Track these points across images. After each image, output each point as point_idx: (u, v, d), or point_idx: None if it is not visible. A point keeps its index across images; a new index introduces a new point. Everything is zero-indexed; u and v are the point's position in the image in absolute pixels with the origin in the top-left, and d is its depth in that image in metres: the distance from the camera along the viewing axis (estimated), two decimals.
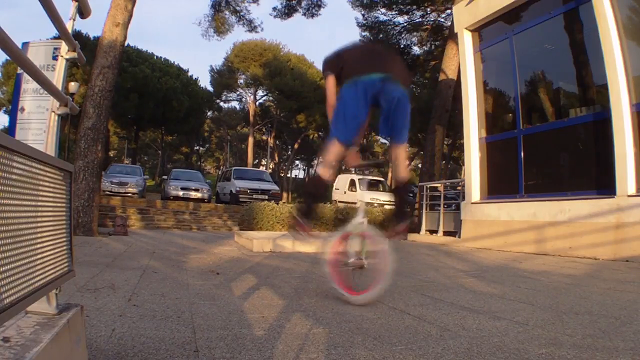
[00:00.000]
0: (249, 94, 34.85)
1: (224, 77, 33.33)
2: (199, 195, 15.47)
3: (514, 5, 6.24)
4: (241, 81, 33.79)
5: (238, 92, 35.17)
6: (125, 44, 7.60)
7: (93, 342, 1.56)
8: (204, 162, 51.82)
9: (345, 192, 17.00)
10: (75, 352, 1.12)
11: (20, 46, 1.23)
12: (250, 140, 35.14)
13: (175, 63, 28.35)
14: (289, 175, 44.89)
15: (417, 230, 8.77)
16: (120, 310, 2.08)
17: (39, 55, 1.95)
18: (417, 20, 17.11)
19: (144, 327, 1.81)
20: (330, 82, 2.54)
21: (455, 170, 35.43)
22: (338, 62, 2.54)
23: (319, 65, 33.18)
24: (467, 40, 7.22)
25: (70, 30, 1.40)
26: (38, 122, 2.03)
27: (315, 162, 45.91)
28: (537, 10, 6.07)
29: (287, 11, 17.66)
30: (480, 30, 7.15)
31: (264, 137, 41.12)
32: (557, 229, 5.32)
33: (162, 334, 1.71)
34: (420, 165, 17.44)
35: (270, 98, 34.45)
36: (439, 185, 9.66)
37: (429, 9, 16.43)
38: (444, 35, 15.31)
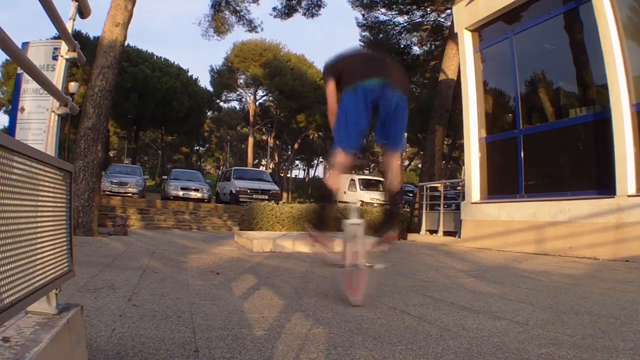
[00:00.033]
0: (249, 94, 34.88)
1: (224, 77, 33.33)
2: (199, 195, 15.46)
3: (514, 5, 6.24)
4: (241, 81, 33.80)
5: (238, 92, 35.19)
6: (125, 44, 7.60)
7: (93, 342, 1.56)
8: (204, 162, 51.81)
9: (345, 192, 17.02)
10: (75, 352, 1.12)
11: (20, 46, 1.23)
12: (250, 140, 35.14)
13: (175, 63, 28.37)
14: (289, 175, 44.89)
15: (417, 230, 8.77)
16: (120, 310, 2.08)
17: (39, 55, 1.95)
18: (417, 20, 17.11)
19: (144, 327, 1.81)
20: (331, 87, 2.54)
21: (455, 170, 35.43)
22: (338, 67, 2.54)
23: (319, 65, 32.98)
24: (467, 40, 7.22)
25: (70, 30, 1.40)
26: (38, 122, 2.04)
27: (315, 162, 45.95)
28: (537, 10, 6.07)
29: (287, 11, 17.66)
30: (480, 30, 7.15)
31: (264, 137, 41.12)
32: (557, 229, 5.32)
33: (162, 334, 1.71)
34: (420, 165, 17.45)
35: (270, 98, 34.45)
36: (439, 185, 9.66)
37: (429, 9, 16.43)
38: (444, 35, 15.31)
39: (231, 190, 15.86)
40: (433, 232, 8.26)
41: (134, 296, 2.43)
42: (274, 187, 16.56)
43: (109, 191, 13.93)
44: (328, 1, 28.95)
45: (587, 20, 5.30)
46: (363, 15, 17.87)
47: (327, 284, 3.04)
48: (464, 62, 7.24)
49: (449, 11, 14.60)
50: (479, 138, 7.00)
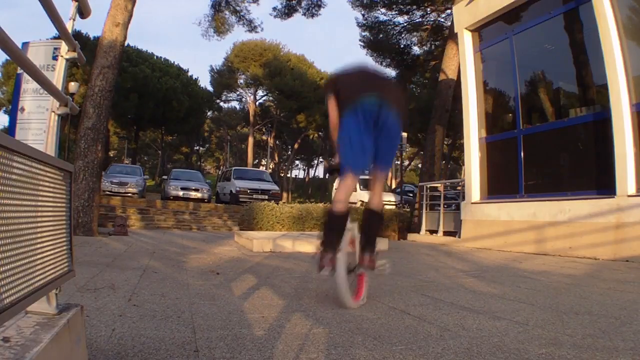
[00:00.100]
0: (249, 94, 34.90)
1: (224, 77, 33.34)
2: (199, 195, 15.46)
3: (514, 5, 6.24)
4: (241, 81, 33.81)
5: (238, 92, 35.21)
6: (125, 44, 7.60)
7: (93, 342, 1.56)
8: (204, 162, 51.82)
9: None
10: (75, 352, 1.12)
11: (20, 46, 1.23)
12: (250, 140, 35.15)
13: (175, 63, 28.38)
14: (289, 175, 44.90)
15: (417, 230, 8.78)
16: (120, 310, 2.08)
17: (39, 55, 1.95)
18: (417, 20, 17.11)
19: (144, 327, 1.81)
20: (331, 102, 2.54)
21: (455, 170, 35.44)
22: (336, 83, 2.56)
23: (319, 65, 33.02)
24: (467, 40, 7.22)
25: (70, 30, 1.40)
26: (38, 122, 2.04)
27: (315, 162, 45.96)
28: (537, 10, 6.07)
29: (287, 11, 17.66)
30: (480, 30, 7.15)
31: (264, 137, 41.13)
32: (557, 229, 5.32)
33: (162, 334, 1.71)
34: (420, 165, 17.44)
35: (270, 98, 34.46)
36: (439, 185, 9.66)
37: (429, 9, 16.43)
38: (444, 35, 15.30)
39: (231, 190, 15.86)
40: (433, 232, 8.26)
41: (134, 296, 2.43)
42: (274, 187, 16.56)
43: (109, 191, 13.93)
44: (328, 1, 28.99)
45: (587, 20, 5.30)
46: (363, 15, 17.89)
47: (327, 284, 3.04)
48: (464, 62, 7.24)
49: (449, 11, 14.60)
50: (479, 138, 7.00)
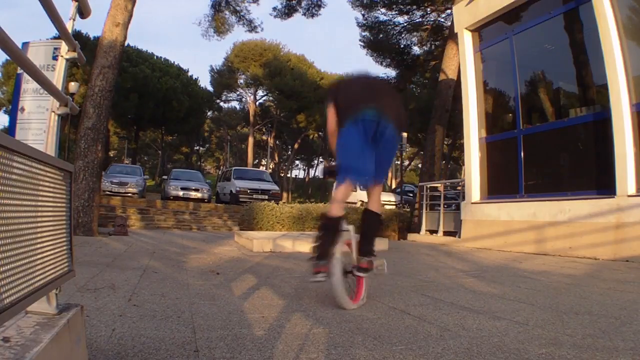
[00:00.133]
0: (249, 94, 34.89)
1: (224, 77, 33.33)
2: (199, 195, 15.47)
3: (514, 5, 6.24)
4: (241, 81, 33.80)
5: (238, 92, 35.20)
6: (125, 44, 7.60)
7: (93, 342, 1.56)
8: (204, 162, 51.82)
9: None
10: (75, 352, 1.12)
11: (20, 46, 1.23)
12: (250, 140, 35.14)
13: (175, 63, 28.37)
14: (289, 175, 44.90)
15: (417, 230, 8.78)
16: (121, 310, 2.08)
17: (39, 55, 1.95)
18: (417, 20, 17.11)
19: (144, 327, 1.81)
20: (331, 110, 2.55)
21: (455, 170, 35.43)
22: (337, 92, 2.57)
23: (319, 65, 33.00)
24: (467, 40, 7.22)
25: (70, 30, 1.40)
26: (38, 122, 2.03)
27: (315, 162, 45.96)
28: (537, 10, 6.07)
29: (287, 11, 17.66)
30: (480, 30, 7.15)
31: (264, 137, 41.13)
32: (557, 229, 5.32)
33: (162, 334, 1.71)
34: (420, 165, 17.44)
35: (270, 98, 34.46)
36: (439, 185, 9.66)
37: (429, 9, 16.43)
38: (444, 35, 15.31)
39: (231, 190, 15.86)
40: (433, 232, 8.26)
41: (134, 296, 2.43)
42: (274, 187, 16.56)
43: (109, 191, 13.93)
44: (328, 1, 28.98)
45: (587, 20, 5.30)
46: (363, 15, 17.89)
47: (327, 284, 3.04)
48: (464, 62, 7.24)
49: (449, 11, 14.60)
50: (479, 138, 7.00)
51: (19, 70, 2.12)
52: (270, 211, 8.41)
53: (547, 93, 6.42)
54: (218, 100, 35.45)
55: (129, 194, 14.42)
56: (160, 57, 27.45)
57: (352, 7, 17.68)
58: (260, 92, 34.70)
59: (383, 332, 1.84)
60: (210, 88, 33.56)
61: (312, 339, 1.72)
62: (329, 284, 2.30)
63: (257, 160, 44.89)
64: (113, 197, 13.34)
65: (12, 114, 2.17)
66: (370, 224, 2.55)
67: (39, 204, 0.99)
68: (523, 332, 1.85)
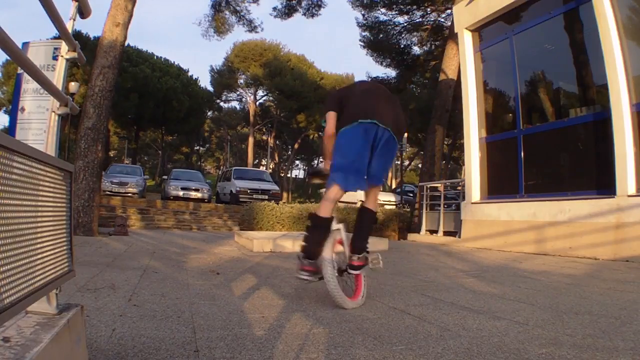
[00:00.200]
0: (249, 94, 34.87)
1: (224, 77, 33.33)
2: (199, 195, 15.47)
3: (514, 5, 6.24)
4: (241, 81, 33.79)
5: (238, 92, 35.19)
6: (125, 44, 7.60)
7: (93, 342, 1.56)
8: (204, 162, 51.82)
9: None
10: (75, 352, 1.12)
11: (20, 46, 1.23)
12: (250, 140, 35.14)
13: (175, 63, 28.35)
14: (289, 175, 44.89)
15: (417, 230, 8.78)
16: (121, 310, 2.08)
17: (39, 55, 1.95)
18: (417, 20, 17.10)
19: (144, 327, 1.81)
20: (331, 117, 2.55)
21: (455, 170, 35.43)
22: (337, 98, 2.58)
23: (319, 65, 32.96)
24: (467, 40, 7.22)
25: (70, 30, 1.40)
26: (38, 122, 2.03)
27: (315, 162, 45.93)
28: (537, 10, 6.07)
29: (287, 11, 17.66)
30: (480, 30, 7.15)
31: (264, 137, 41.13)
32: (557, 229, 5.32)
33: (162, 334, 1.71)
34: (420, 165, 17.44)
35: (270, 98, 34.45)
36: (439, 185, 9.66)
37: (429, 9, 16.43)
38: (444, 35, 15.31)
39: (231, 190, 15.86)
40: (433, 232, 8.26)
41: (134, 296, 2.43)
42: (274, 187, 16.56)
43: (109, 191, 13.93)
44: (328, 1, 28.89)
45: (587, 20, 5.30)
46: (363, 15, 17.89)
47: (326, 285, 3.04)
48: (464, 62, 7.24)
49: (449, 11, 14.61)
50: (479, 138, 7.00)
51: (19, 70, 2.12)
52: (270, 211, 8.41)
53: (547, 93, 6.42)
54: (218, 100, 35.46)
55: (129, 194, 14.42)
56: (161, 57, 27.44)
57: (352, 7, 17.70)
58: (260, 92, 34.71)
59: (383, 332, 1.84)
60: (210, 88, 33.58)
61: (312, 339, 1.72)
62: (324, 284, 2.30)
63: (257, 160, 44.88)
64: (113, 197, 13.34)
65: (12, 114, 2.17)
66: (364, 221, 2.56)
67: (39, 204, 0.99)
68: (523, 332, 1.85)
